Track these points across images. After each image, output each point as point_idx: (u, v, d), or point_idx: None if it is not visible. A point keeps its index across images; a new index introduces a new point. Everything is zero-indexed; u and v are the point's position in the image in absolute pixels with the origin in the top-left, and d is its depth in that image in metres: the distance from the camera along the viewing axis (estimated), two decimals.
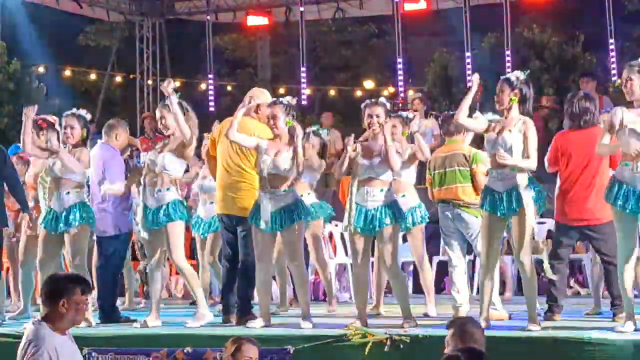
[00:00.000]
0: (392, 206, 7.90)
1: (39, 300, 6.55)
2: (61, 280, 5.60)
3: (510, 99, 7.54)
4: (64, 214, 8.40)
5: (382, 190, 7.90)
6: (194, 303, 10.77)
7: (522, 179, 7.45)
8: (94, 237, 9.31)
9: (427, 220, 9.12)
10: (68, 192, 8.45)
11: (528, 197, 7.39)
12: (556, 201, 8.29)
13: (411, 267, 11.66)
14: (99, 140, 9.48)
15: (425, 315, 8.87)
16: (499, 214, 7.48)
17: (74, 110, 8.68)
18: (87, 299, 5.56)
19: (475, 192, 8.54)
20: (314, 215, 9.26)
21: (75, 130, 8.54)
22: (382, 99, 8.18)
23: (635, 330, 7.00)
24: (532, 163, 7.43)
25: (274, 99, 8.41)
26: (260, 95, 8.78)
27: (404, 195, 8.81)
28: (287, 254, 8.22)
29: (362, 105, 8.12)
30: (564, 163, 8.19)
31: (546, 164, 8.39)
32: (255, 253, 8.15)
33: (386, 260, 7.90)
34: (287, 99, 8.24)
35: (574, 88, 17.50)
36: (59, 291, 5.45)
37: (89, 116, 8.72)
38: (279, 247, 8.80)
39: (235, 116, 8.21)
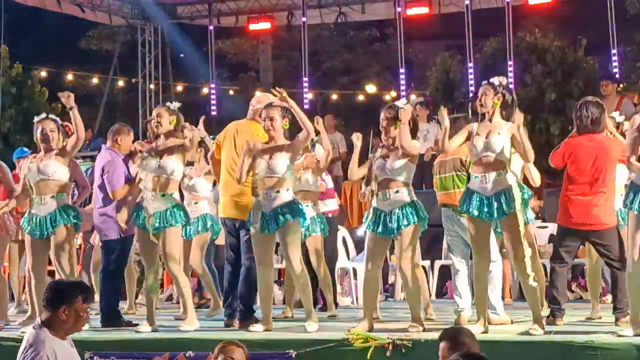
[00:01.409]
0: (411, 206, 7.82)
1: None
2: (64, 287, 5.60)
3: (494, 103, 7.58)
4: (48, 218, 8.40)
5: (398, 191, 7.85)
6: (200, 306, 10.82)
7: (512, 182, 7.48)
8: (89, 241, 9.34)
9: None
10: (52, 196, 8.46)
11: (518, 199, 7.42)
12: (560, 205, 8.28)
13: None
14: (102, 145, 9.50)
15: (427, 319, 8.87)
16: (484, 218, 7.50)
17: (45, 115, 8.69)
18: (88, 308, 5.55)
19: None
20: (311, 230, 9.31)
21: (54, 134, 8.55)
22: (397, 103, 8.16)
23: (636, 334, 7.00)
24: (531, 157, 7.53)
25: (271, 101, 8.38)
26: (265, 100, 8.77)
27: None
28: (284, 256, 8.17)
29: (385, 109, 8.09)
30: (571, 167, 8.17)
31: (550, 158, 8.41)
32: (255, 256, 8.14)
33: (404, 263, 7.81)
34: (284, 103, 8.21)
35: (576, 92, 17.53)
36: (61, 298, 5.46)
37: (59, 121, 8.73)
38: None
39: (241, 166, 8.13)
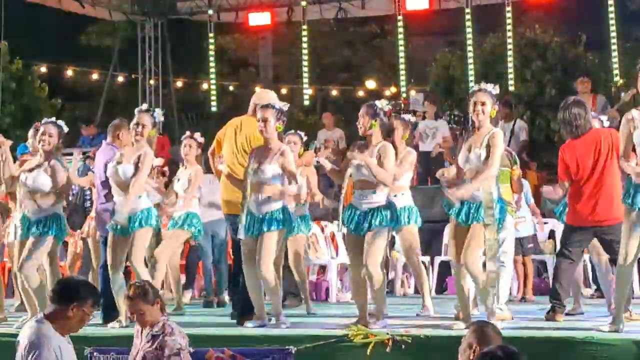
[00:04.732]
0: (386, 208, 7.80)
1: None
2: (79, 286, 5.52)
3: (490, 113, 7.55)
4: (38, 223, 8.44)
5: (375, 192, 7.80)
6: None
7: (494, 195, 7.46)
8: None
9: (419, 222, 9.08)
10: (53, 202, 8.53)
11: (493, 213, 7.39)
12: (568, 205, 8.27)
13: None
14: (103, 141, 9.50)
15: (423, 312, 8.85)
16: (460, 221, 7.52)
17: (53, 119, 8.81)
18: (92, 313, 5.53)
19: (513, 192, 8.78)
20: (295, 230, 9.16)
21: (52, 139, 8.62)
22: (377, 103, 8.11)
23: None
24: (492, 169, 7.43)
25: (266, 103, 8.20)
26: (265, 97, 8.73)
27: (395, 196, 8.85)
28: (257, 260, 7.90)
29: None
30: (574, 171, 8.15)
31: (559, 180, 8.39)
32: (242, 258, 8.06)
33: (367, 260, 7.70)
34: (280, 105, 8.09)
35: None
36: (74, 295, 5.39)
37: (66, 128, 8.79)
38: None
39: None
